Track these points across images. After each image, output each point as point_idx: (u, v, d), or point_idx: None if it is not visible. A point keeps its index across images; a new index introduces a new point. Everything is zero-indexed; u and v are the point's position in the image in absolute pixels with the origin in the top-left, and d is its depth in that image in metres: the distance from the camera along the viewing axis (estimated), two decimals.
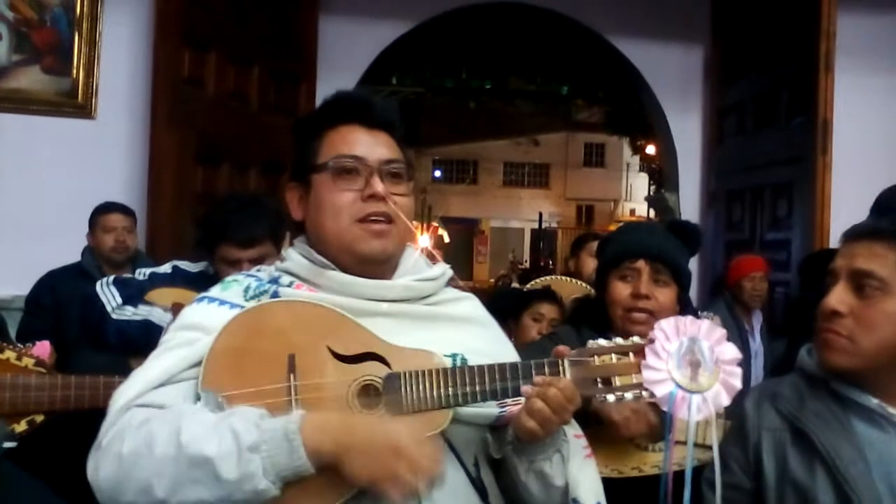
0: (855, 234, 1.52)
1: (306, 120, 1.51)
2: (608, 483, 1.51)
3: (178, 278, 2.47)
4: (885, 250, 1.46)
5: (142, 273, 2.47)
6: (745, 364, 3.58)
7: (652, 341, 1.32)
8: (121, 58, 4.07)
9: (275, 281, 1.42)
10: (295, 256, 1.45)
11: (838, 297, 1.48)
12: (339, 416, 1.23)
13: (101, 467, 1.19)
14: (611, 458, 1.76)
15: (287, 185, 1.49)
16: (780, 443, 1.54)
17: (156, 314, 2.33)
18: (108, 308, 2.33)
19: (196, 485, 1.14)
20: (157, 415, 1.21)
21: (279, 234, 2.50)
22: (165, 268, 2.52)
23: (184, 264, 2.57)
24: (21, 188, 3.93)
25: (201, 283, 2.46)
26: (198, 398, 1.24)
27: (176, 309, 2.33)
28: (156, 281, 2.42)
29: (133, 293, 2.38)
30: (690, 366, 1.31)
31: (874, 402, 1.48)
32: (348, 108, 1.46)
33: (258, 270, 1.49)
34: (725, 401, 1.31)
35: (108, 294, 2.37)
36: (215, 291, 1.42)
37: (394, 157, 1.43)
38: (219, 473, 1.13)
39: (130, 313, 2.33)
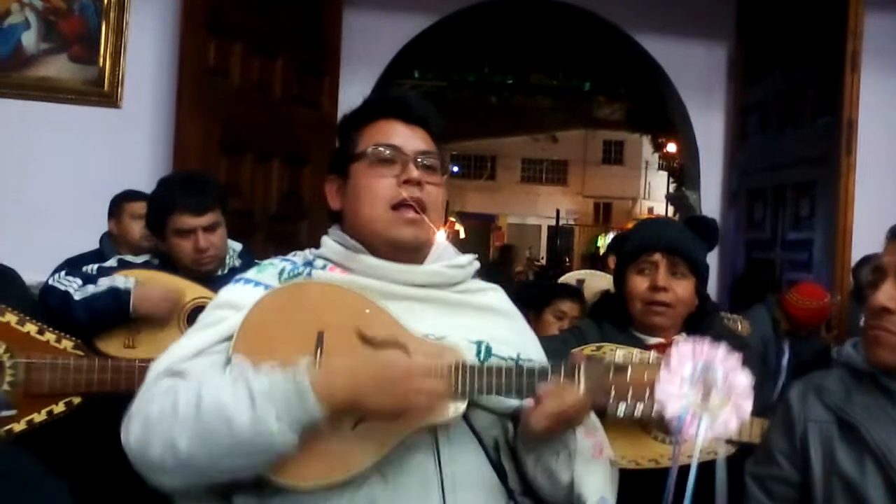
0: None
1: (348, 116, 1.57)
2: (624, 474, 1.54)
3: (124, 269, 2.54)
4: None
5: (90, 268, 2.53)
6: (775, 379, 3.53)
7: (668, 358, 1.35)
8: (147, 47, 4.10)
9: (309, 264, 1.49)
10: (329, 243, 1.51)
11: (888, 294, 1.47)
12: (342, 362, 1.28)
13: (131, 430, 1.26)
14: (627, 449, 1.78)
15: (326, 178, 1.55)
16: (826, 435, 1.53)
17: (118, 280, 2.41)
18: (71, 291, 2.39)
19: (214, 435, 1.20)
20: (183, 380, 1.28)
21: (225, 203, 2.63)
22: (111, 262, 2.61)
23: (128, 257, 2.69)
24: (47, 176, 3.98)
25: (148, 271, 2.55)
26: (228, 363, 1.30)
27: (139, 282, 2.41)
28: (104, 273, 2.48)
29: (90, 278, 2.45)
30: (703, 388, 1.33)
31: None
32: (387, 104, 1.54)
33: (294, 255, 1.54)
34: (734, 426, 1.33)
35: (66, 282, 2.44)
36: (251, 273, 1.48)
37: (429, 149, 1.50)
38: (232, 420, 1.19)
39: (93, 289, 2.40)
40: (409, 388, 1.24)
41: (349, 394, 1.23)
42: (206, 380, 1.26)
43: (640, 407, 1.33)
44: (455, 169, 28.96)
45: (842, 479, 1.49)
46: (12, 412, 2.15)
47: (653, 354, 1.38)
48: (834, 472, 1.51)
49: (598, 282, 3.29)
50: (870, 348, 1.51)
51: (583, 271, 4.08)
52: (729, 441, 1.73)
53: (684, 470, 1.35)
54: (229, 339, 1.33)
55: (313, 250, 1.53)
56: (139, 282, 2.42)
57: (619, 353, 1.38)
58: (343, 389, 1.23)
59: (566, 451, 1.40)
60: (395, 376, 1.25)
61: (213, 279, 2.57)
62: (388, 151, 1.46)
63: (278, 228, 4.19)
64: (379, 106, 1.54)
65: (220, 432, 1.19)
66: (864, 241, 3.56)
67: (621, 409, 1.34)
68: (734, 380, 1.34)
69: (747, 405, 1.33)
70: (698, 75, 5.30)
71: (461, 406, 1.32)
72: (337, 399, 1.22)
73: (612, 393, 1.34)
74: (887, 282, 1.49)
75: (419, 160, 1.46)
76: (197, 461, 1.21)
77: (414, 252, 1.48)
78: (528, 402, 1.36)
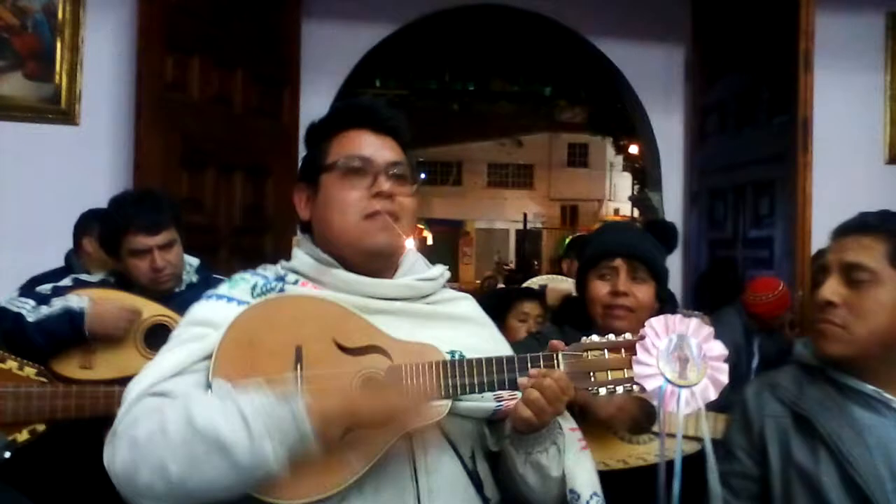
0: (844, 230, 1.61)
1: (317, 124, 1.57)
2: None
3: (80, 288, 2.52)
4: (873, 242, 1.54)
5: (44, 289, 2.50)
6: (746, 378, 3.60)
7: (642, 338, 1.38)
8: (104, 63, 4.06)
9: (281, 279, 1.48)
10: (301, 256, 1.51)
11: (832, 288, 1.56)
12: (339, 402, 1.27)
13: (116, 453, 1.23)
14: (597, 451, 1.80)
15: (295, 187, 1.55)
16: (782, 429, 1.61)
17: (72, 300, 2.38)
18: (24, 313, 2.36)
19: (210, 466, 1.19)
20: (169, 401, 1.26)
21: (179, 219, 2.61)
22: (66, 281, 2.58)
23: (83, 276, 2.66)
24: (3, 195, 3.91)
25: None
26: (208, 387, 1.29)
27: (93, 301, 2.37)
28: (58, 293, 2.46)
29: (44, 298, 2.42)
30: (679, 361, 1.37)
31: (870, 388, 1.55)
32: (357, 114, 1.53)
33: (264, 269, 1.53)
34: (713, 395, 1.37)
35: (18, 303, 2.41)
36: (223, 289, 1.47)
37: (399, 159, 1.50)
38: (227, 444, 1.18)
39: (47, 310, 2.37)
40: (400, 395, 1.28)
41: (343, 414, 1.24)
42: (193, 401, 1.24)
43: (619, 387, 1.37)
44: (421, 175, 28.97)
45: (797, 469, 1.56)
46: (7, 454, 2.12)
47: (627, 334, 1.40)
48: (790, 463, 1.57)
49: (559, 287, 3.33)
50: (817, 342, 1.59)
51: (544, 276, 4.11)
52: (694, 437, 1.77)
53: (649, 469, 1.38)
54: (207, 357, 1.32)
55: (284, 264, 1.53)
56: (93, 300, 2.39)
57: (595, 337, 1.40)
58: (337, 410, 1.24)
59: (554, 446, 1.42)
60: (387, 419, 1.27)
61: (171, 297, 2.56)
62: (358, 162, 1.46)
63: (242, 242, 4.17)
64: (348, 115, 1.54)
65: (214, 457, 1.18)
66: (824, 237, 3.61)
67: (602, 390, 1.37)
68: (708, 349, 1.38)
69: (724, 373, 1.37)
70: (656, 78, 5.36)
71: (446, 406, 1.33)
72: (332, 421, 1.23)
73: (592, 376, 1.37)
74: (831, 278, 1.57)
75: (390, 171, 1.47)
76: (189, 485, 1.19)
77: (387, 259, 1.50)
78: (510, 402, 1.39)
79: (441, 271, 1.58)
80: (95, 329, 2.35)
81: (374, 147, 1.48)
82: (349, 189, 1.45)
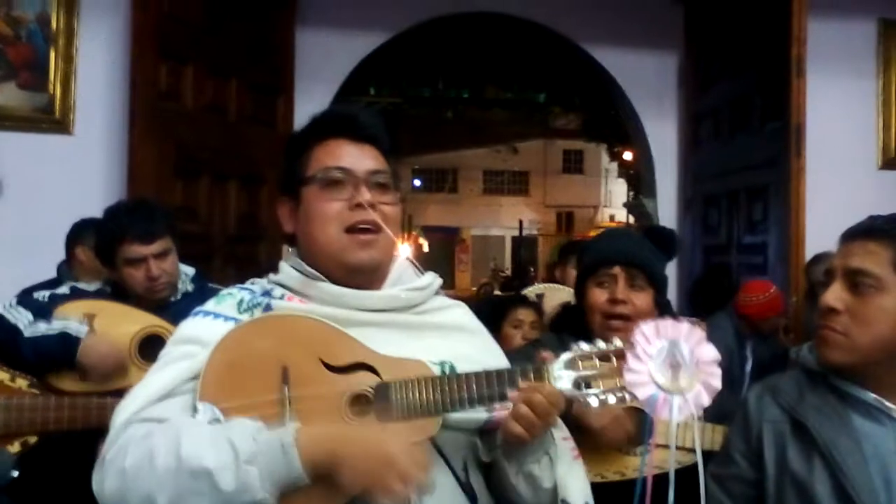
0: (851, 234, 1.57)
1: (296, 136, 1.54)
2: (591, 488, 1.53)
3: (77, 297, 2.50)
4: (879, 248, 1.51)
5: (41, 295, 2.49)
6: (739, 387, 3.57)
7: (633, 345, 1.34)
8: (98, 72, 4.06)
9: (267, 293, 1.46)
10: (287, 269, 1.49)
11: (835, 294, 1.53)
12: (332, 429, 1.26)
13: (105, 482, 1.22)
14: (593, 463, 1.78)
15: (278, 200, 1.53)
16: (779, 434, 1.59)
17: (72, 326, 2.36)
18: (21, 326, 2.34)
19: (196, 496, 1.16)
20: (158, 429, 1.23)
21: (174, 228, 2.61)
22: (63, 289, 2.57)
23: (81, 284, 2.65)
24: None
25: (101, 299, 2.52)
26: (195, 410, 1.27)
27: (90, 318, 2.36)
28: (56, 301, 2.44)
29: (41, 310, 2.40)
30: (671, 368, 1.33)
31: (871, 396, 1.53)
32: (335, 123, 1.51)
33: (252, 283, 1.52)
34: (706, 401, 1.34)
35: (16, 314, 2.38)
36: (210, 305, 1.45)
37: (380, 167, 1.47)
38: (218, 485, 1.16)
39: (45, 328, 2.34)
40: (387, 473, 1.19)
41: (330, 459, 1.19)
42: (182, 432, 1.21)
43: (611, 396, 1.34)
44: (417, 183, 28.99)
45: (792, 476, 1.54)
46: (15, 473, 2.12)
47: (617, 342, 1.38)
48: (785, 469, 1.56)
49: (557, 295, 3.33)
50: (818, 348, 1.57)
51: (541, 285, 4.11)
52: (691, 449, 1.76)
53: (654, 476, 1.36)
54: (196, 377, 1.31)
55: (272, 277, 1.51)
56: (92, 331, 2.36)
57: (584, 346, 1.38)
58: (324, 464, 1.19)
59: (546, 456, 1.39)
60: (378, 457, 1.19)
61: (166, 306, 2.55)
62: (337, 174, 1.44)
63: (237, 250, 4.16)
64: (327, 124, 1.51)
65: (202, 493, 1.16)
66: (817, 242, 3.63)
67: (593, 400, 1.34)
68: (700, 354, 1.34)
69: (717, 378, 1.34)
70: (650, 84, 5.38)
71: (437, 422, 1.31)
72: (317, 467, 1.19)
73: (582, 385, 1.34)
74: (835, 283, 1.54)
75: (371, 180, 1.45)
76: None
77: (371, 274, 1.47)
78: (501, 412, 1.36)
79: (431, 280, 1.55)
80: (84, 360, 2.32)
81: (354, 157, 1.46)
82: (330, 201, 1.43)
